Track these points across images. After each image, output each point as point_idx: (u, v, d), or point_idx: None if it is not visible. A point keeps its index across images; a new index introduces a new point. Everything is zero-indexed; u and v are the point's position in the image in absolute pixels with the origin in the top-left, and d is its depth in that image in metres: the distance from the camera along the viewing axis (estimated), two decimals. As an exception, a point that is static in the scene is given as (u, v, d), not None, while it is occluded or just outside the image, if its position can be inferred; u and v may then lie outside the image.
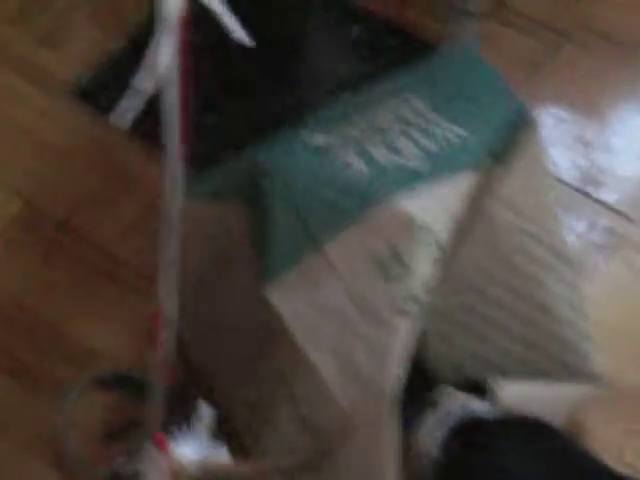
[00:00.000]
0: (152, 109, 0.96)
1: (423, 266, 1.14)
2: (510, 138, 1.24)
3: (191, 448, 1.29)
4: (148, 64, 0.93)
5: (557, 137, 1.74)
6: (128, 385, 1.47)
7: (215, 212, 1.27)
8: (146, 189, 1.63)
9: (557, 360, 1.32)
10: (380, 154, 1.19)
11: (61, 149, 1.71)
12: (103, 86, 1.75)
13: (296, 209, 1.16)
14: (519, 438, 1.16)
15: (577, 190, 1.69)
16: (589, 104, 1.79)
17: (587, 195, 1.69)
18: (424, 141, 1.21)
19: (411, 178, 1.17)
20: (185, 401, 1.40)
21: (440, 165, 1.19)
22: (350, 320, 1.14)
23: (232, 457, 1.32)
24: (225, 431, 1.34)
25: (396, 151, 1.20)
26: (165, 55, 0.92)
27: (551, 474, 1.10)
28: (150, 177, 1.62)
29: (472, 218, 1.24)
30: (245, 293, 1.27)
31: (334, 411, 1.17)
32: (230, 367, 1.39)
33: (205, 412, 1.31)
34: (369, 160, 1.19)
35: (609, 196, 1.69)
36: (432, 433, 1.19)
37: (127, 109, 0.94)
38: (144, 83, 0.93)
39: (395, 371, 1.12)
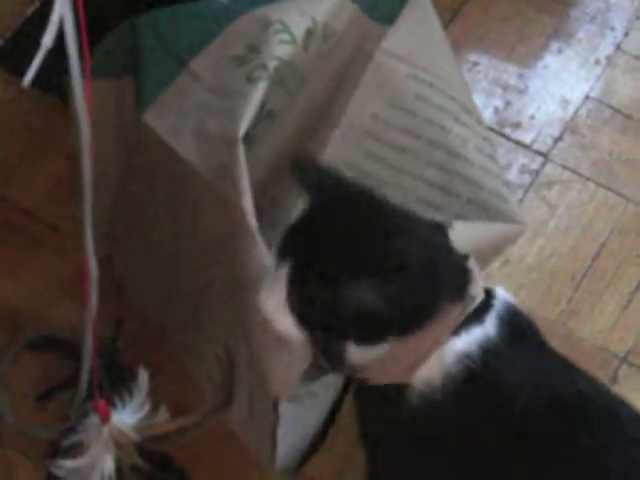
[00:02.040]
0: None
1: (275, 47, 1.25)
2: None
3: (131, 414, 1.30)
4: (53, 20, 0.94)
5: (473, 80, 1.77)
6: (60, 346, 1.48)
7: (111, 91, 1.33)
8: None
9: (475, 203, 1.33)
10: None
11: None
12: (18, 50, 1.74)
13: (163, 43, 1.29)
14: None
15: (495, 132, 1.71)
16: (505, 47, 1.82)
17: (505, 136, 1.72)
18: None
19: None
20: (121, 369, 1.43)
21: None
22: (209, 106, 1.25)
23: (169, 417, 1.32)
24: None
25: None
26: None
27: None
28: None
29: (360, 70, 1.31)
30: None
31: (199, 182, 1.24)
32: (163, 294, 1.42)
33: (143, 377, 1.32)
34: None
35: (526, 136, 1.73)
36: None
37: (36, 68, 0.95)
38: (48, 39, 0.94)
39: (244, 118, 1.21)
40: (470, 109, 1.37)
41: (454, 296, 1.06)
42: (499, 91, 1.78)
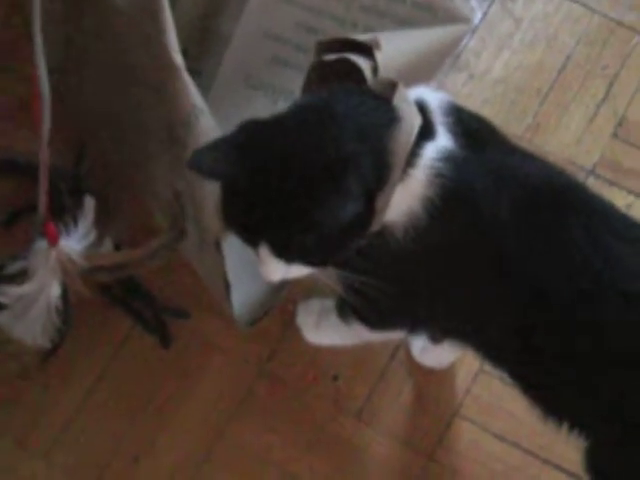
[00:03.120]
0: None
1: None
2: None
3: (77, 241, 1.29)
4: None
5: None
6: (23, 171, 1.43)
7: None
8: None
9: (417, 4, 1.31)
10: None
11: None
12: None
13: None
14: None
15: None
16: None
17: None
18: None
19: None
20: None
21: None
22: None
23: (112, 248, 1.32)
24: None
25: None
26: None
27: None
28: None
29: None
30: None
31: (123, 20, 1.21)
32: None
33: (89, 204, 1.30)
34: None
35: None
36: None
37: None
38: None
39: None
40: None
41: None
42: None
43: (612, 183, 1.52)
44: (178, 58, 1.15)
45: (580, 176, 1.50)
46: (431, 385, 1.41)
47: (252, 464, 1.38)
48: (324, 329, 1.34)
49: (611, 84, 1.58)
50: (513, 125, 1.54)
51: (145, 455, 1.37)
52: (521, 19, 1.62)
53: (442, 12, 1.30)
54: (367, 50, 1.12)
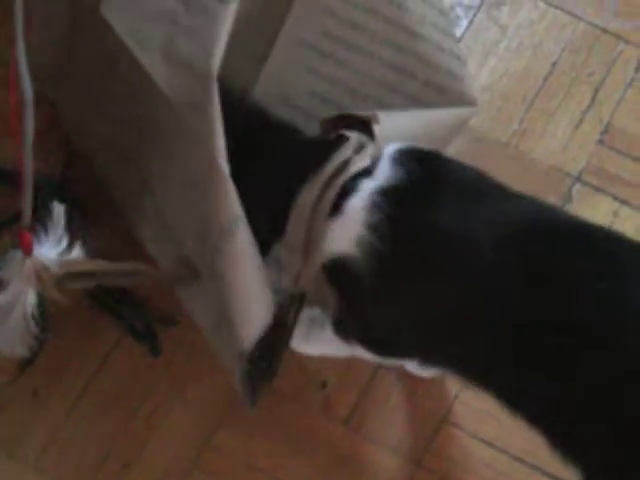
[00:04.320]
0: None
1: None
2: None
3: (50, 249, 1.27)
4: None
5: None
6: (7, 179, 1.42)
7: None
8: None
9: (428, 83, 1.32)
10: None
11: None
12: None
13: None
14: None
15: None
16: None
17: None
18: None
19: None
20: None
21: None
22: (177, 18, 1.18)
23: (82, 254, 1.30)
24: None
25: None
26: None
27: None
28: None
29: None
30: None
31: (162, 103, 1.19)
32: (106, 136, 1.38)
33: (59, 211, 1.29)
34: None
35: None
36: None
37: None
38: None
39: (217, 52, 1.15)
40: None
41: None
42: None
43: (598, 190, 1.52)
44: (224, 164, 1.12)
45: (567, 183, 1.51)
46: (419, 392, 1.41)
47: (241, 471, 1.38)
48: (313, 341, 1.34)
49: (596, 91, 1.59)
50: (499, 131, 1.55)
51: (135, 462, 1.37)
52: (507, 26, 1.62)
53: (451, 94, 1.32)
54: (366, 124, 1.16)
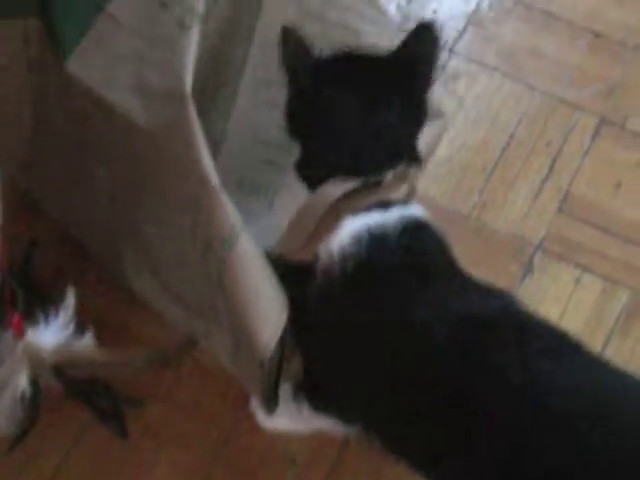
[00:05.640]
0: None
1: None
2: None
3: (53, 334, 1.28)
4: None
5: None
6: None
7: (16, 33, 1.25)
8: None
9: None
10: None
11: None
12: None
13: None
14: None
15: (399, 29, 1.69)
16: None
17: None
18: None
19: None
20: (50, 287, 1.39)
21: None
22: (141, 53, 1.19)
23: (96, 344, 1.31)
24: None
25: None
26: None
27: None
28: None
29: None
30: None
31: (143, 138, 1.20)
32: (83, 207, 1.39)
33: (70, 297, 1.29)
34: None
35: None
36: None
37: None
38: None
39: (187, 75, 1.16)
40: (377, 5, 1.37)
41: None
42: (401, -14, 1.76)
43: (560, 257, 1.54)
44: (214, 176, 1.14)
45: (528, 252, 1.53)
46: (389, 465, 1.41)
47: None
48: (278, 414, 1.33)
49: (554, 160, 1.61)
50: (460, 203, 1.57)
51: None
52: (464, 98, 1.65)
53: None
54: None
